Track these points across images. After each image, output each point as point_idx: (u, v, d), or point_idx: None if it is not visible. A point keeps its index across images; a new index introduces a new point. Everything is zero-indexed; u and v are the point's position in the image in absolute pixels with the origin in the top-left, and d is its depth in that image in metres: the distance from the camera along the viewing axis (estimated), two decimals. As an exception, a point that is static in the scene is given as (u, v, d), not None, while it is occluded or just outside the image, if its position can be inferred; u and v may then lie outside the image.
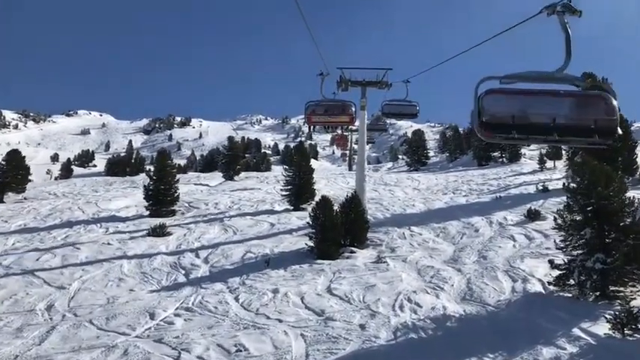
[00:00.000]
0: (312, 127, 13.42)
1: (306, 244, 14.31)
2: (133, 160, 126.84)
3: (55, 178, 66.36)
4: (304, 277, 12.11)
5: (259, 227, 18.05)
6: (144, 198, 21.71)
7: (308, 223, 14.60)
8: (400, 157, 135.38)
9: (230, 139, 40.34)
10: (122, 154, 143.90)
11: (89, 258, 14.44)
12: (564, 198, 20.34)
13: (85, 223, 19.90)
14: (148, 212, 21.54)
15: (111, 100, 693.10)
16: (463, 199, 22.96)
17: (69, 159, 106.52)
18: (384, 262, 13.15)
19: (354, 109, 13.17)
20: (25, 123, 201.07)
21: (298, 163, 21.47)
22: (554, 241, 11.37)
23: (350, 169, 56.56)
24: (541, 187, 22.06)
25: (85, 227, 19.17)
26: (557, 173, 30.87)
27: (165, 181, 21.81)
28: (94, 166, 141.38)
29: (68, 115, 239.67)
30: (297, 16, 7.44)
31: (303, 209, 21.08)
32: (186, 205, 23.86)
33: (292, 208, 21.19)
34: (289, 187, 21.44)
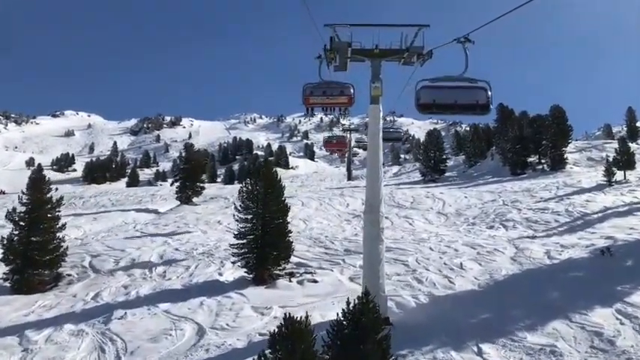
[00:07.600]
0: (309, 109, 11.27)
1: None
2: (114, 165, 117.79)
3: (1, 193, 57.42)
4: None
5: (171, 340, 8.95)
6: (1, 259, 12.80)
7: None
8: (402, 156, 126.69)
9: (188, 147, 30.39)
10: (104, 158, 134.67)
11: None
12: None
13: None
14: (9, 283, 12.71)
15: (101, 100, 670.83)
16: (538, 248, 13.95)
17: (39, 165, 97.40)
18: None
19: (352, 90, 10.73)
20: (6, 125, 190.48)
21: (262, 198, 12.28)
22: None
23: (349, 178, 47.64)
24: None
25: None
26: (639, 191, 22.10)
27: (40, 229, 12.92)
28: (74, 170, 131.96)
29: (54, 116, 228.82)
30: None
31: (273, 279, 12.18)
32: (89, 260, 14.91)
33: (251, 277, 12.13)
34: (246, 239, 12.30)
